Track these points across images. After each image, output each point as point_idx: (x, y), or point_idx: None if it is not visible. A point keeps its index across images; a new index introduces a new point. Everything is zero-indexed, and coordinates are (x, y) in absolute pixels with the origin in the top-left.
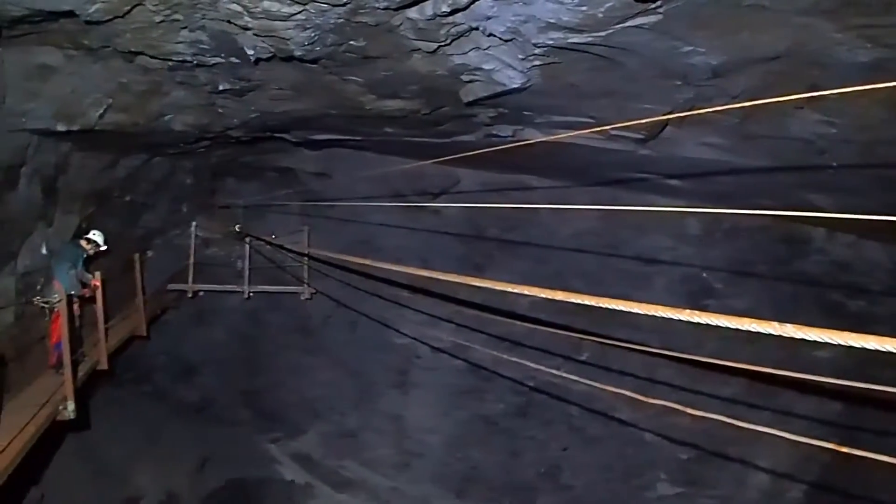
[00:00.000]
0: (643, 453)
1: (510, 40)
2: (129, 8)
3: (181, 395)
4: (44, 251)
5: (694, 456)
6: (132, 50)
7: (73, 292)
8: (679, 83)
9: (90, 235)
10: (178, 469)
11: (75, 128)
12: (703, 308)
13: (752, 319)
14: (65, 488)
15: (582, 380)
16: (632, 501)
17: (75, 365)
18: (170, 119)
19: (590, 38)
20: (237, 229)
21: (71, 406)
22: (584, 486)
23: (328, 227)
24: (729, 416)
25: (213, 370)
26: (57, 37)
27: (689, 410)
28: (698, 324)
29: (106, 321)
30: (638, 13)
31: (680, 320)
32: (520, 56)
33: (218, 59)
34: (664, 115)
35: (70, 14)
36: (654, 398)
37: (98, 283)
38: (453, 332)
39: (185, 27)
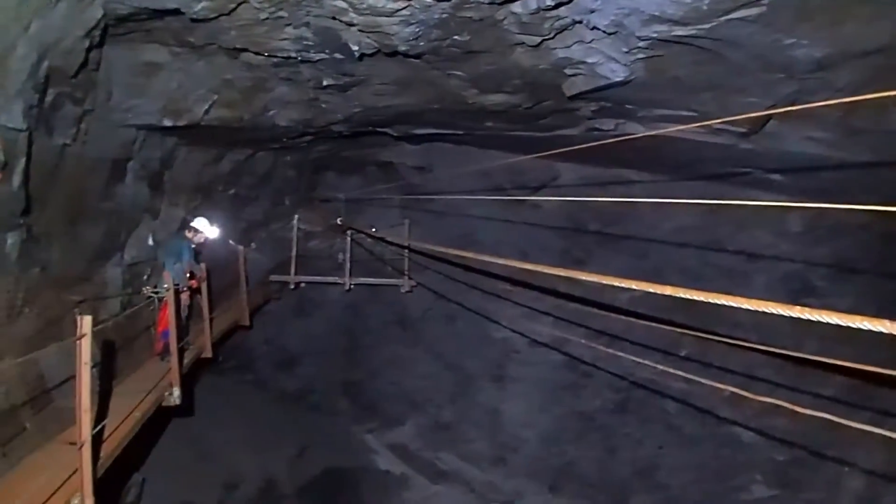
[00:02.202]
0: (740, 454)
1: (614, 33)
2: (234, 6)
3: (282, 384)
4: (150, 243)
5: (790, 458)
6: (237, 47)
7: (179, 283)
8: (782, 76)
9: (192, 224)
10: (277, 456)
11: (181, 123)
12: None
13: (864, 317)
14: (166, 473)
15: (682, 373)
16: (726, 503)
17: (181, 353)
18: (274, 114)
19: (694, 31)
20: (338, 222)
21: (177, 392)
22: (679, 486)
23: (428, 220)
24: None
25: (313, 360)
26: (162, 34)
27: (795, 408)
28: (798, 323)
29: (210, 311)
30: (742, 5)
31: (781, 318)
32: (623, 49)
33: (322, 55)
34: (767, 108)
35: (176, 12)
36: (756, 395)
37: (203, 276)
38: (552, 327)
39: (290, 24)
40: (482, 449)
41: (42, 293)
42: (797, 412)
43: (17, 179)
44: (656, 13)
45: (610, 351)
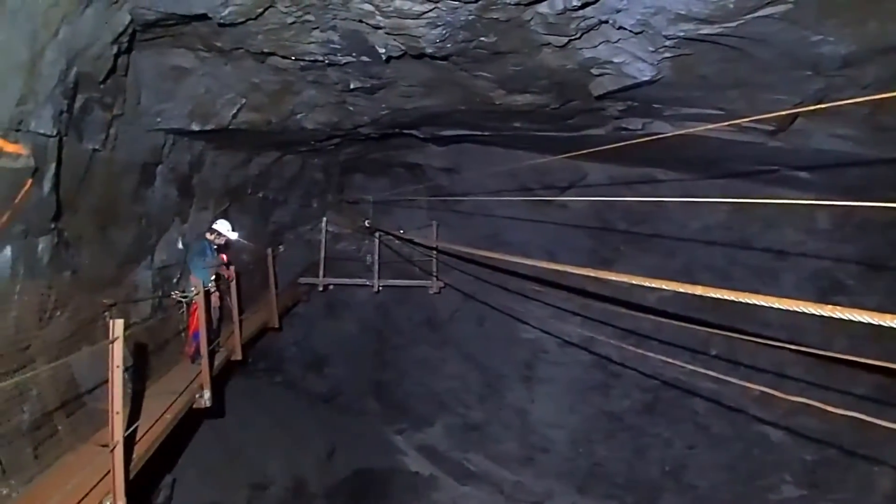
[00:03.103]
0: (769, 454)
1: (640, 33)
2: (261, 10)
3: (311, 385)
4: (180, 246)
5: (819, 458)
6: (264, 51)
7: (209, 286)
8: (809, 73)
9: (214, 226)
10: (307, 457)
11: (209, 127)
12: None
13: (894, 315)
14: (196, 474)
15: (712, 373)
16: (755, 503)
17: (212, 355)
18: (301, 117)
19: (720, 29)
20: (367, 224)
21: (207, 394)
22: (708, 487)
23: (456, 221)
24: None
25: (342, 362)
26: (190, 39)
27: (826, 407)
28: (827, 321)
29: (240, 313)
30: (768, 2)
31: (811, 317)
32: (650, 48)
33: (349, 58)
34: (794, 106)
35: (203, 17)
36: (786, 395)
37: (233, 275)
38: (581, 327)
39: (317, 27)
40: (511, 450)
41: (73, 297)
42: (827, 411)
43: (47, 184)
44: (683, 12)
45: (639, 351)
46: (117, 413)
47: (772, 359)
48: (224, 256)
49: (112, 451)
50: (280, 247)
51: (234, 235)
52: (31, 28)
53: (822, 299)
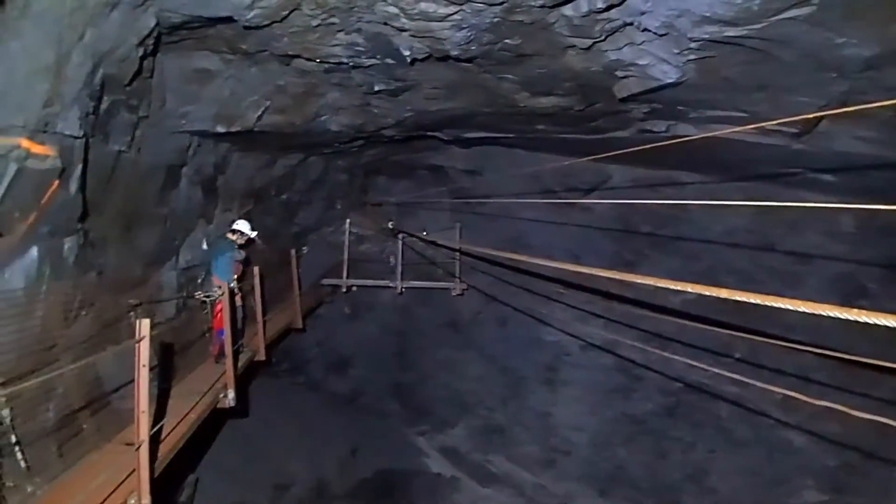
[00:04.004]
0: (791, 458)
1: (665, 35)
2: (286, 13)
3: (334, 386)
4: (204, 247)
5: (841, 462)
6: (289, 53)
7: (232, 284)
8: (834, 75)
9: (234, 226)
10: (329, 458)
11: (234, 129)
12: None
13: None
14: (219, 473)
15: (734, 375)
16: None
17: (236, 355)
18: (326, 119)
19: (745, 31)
20: (390, 226)
21: (232, 394)
22: (730, 491)
23: (479, 223)
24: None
25: (364, 363)
26: (215, 42)
27: (850, 411)
28: (850, 325)
29: (264, 314)
30: (792, 5)
31: (833, 321)
32: (674, 50)
33: (373, 61)
34: (819, 108)
35: (228, 20)
36: (810, 398)
37: (256, 275)
38: (603, 329)
39: (342, 30)
40: (533, 452)
41: (99, 297)
42: (848, 416)
43: (74, 185)
44: (707, 14)
45: (663, 353)
46: (143, 412)
47: (794, 363)
48: (243, 253)
49: (137, 449)
50: (304, 248)
51: (254, 234)
52: (56, 31)
53: (845, 303)
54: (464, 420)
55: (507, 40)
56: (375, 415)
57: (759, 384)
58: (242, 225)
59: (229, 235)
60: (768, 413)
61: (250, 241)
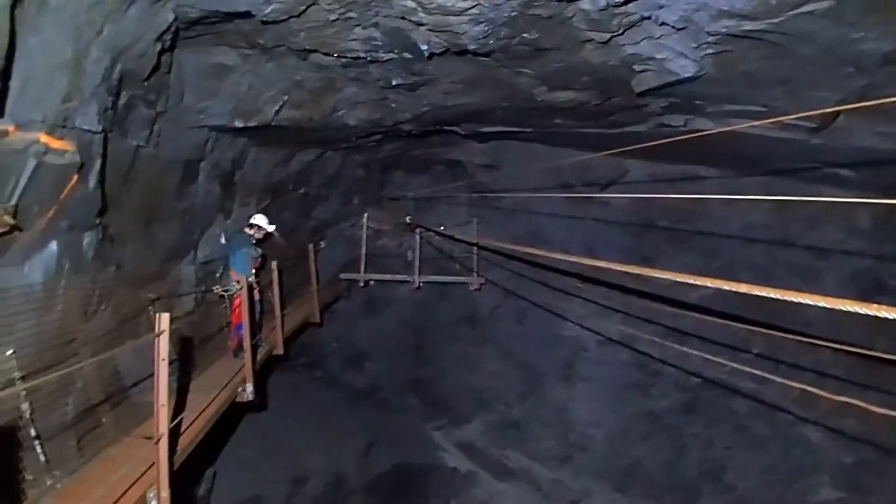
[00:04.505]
0: (808, 455)
1: (683, 29)
2: (304, 7)
3: (351, 380)
4: (222, 241)
5: (858, 460)
6: (306, 48)
7: (250, 279)
8: (852, 70)
9: (252, 220)
10: (346, 452)
11: (252, 124)
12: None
13: None
14: (237, 467)
15: (752, 370)
16: None
17: (254, 349)
18: (343, 114)
19: (763, 26)
20: (407, 220)
21: (250, 388)
22: (747, 488)
23: (496, 218)
24: None
25: (382, 358)
26: (232, 37)
27: (870, 407)
28: (869, 321)
29: (282, 308)
30: None
31: (852, 317)
32: (692, 45)
33: (391, 55)
34: (837, 103)
35: (246, 15)
36: (830, 394)
37: (275, 270)
38: (621, 324)
39: (359, 25)
40: (550, 447)
41: (117, 291)
42: (866, 413)
43: (92, 180)
44: (725, 8)
45: (680, 348)
46: (163, 405)
47: (813, 359)
48: (260, 249)
49: (157, 442)
50: (321, 243)
51: (271, 228)
52: (74, 26)
53: (863, 299)
54: (481, 415)
55: (524, 34)
56: (392, 409)
57: (777, 379)
58: (260, 219)
59: (247, 230)
60: (786, 409)
61: (268, 235)
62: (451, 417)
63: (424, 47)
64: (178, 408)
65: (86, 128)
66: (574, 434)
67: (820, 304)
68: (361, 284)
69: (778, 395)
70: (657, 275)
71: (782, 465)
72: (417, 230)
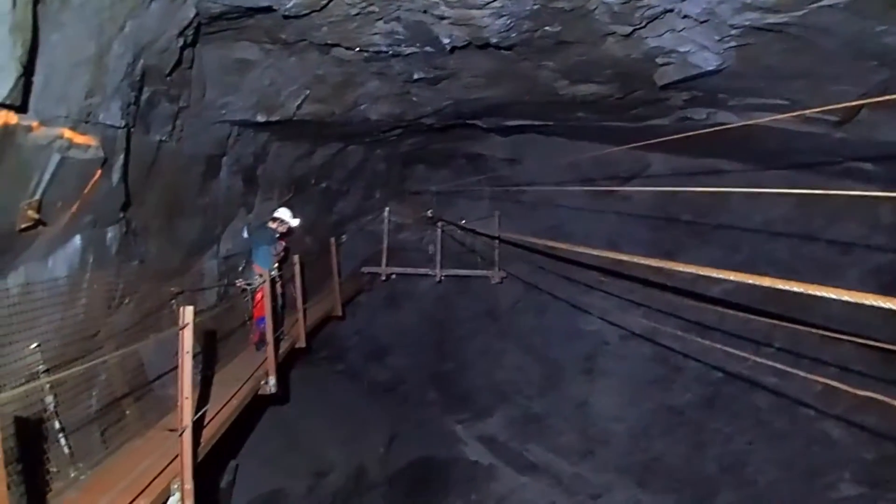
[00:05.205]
0: (829, 451)
1: (705, 22)
2: (325, 2)
3: (373, 374)
4: (245, 235)
5: (878, 456)
6: (328, 42)
7: (273, 272)
8: (874, 64)
9: (276, 214)
10: (368, 445)
11: (274, 118)
12: None
13: None
14: (258, 460)
15: (773, 363)
16: (814, 501)
17: (276, 343)
18: (365, 108)
19: (786, 19)
20: (429, 214)
21: (273, 381)
22: (768, 483)
23: (518, 212)
24: None
25: (403, 351)
26: (254, 32)
27: (892, 401)
28: (891, 316)
29: (304, 302)
30: None
31: (874, 312)
32: (715, 38)
33: (413, 49)
34: (860, 96)
35: (268, 9)
36: (853, 389)
37: (297, 263)
38: (643, 319)
39: (381, 19)
40: (570, 442)
41: (141, 285)
42: (887, 409)
43: (116, 175)
44: (748, 1)
45: (704, 342)
46: (186, 398)
47: (834, 354)
48: (283, 243)
49: (181, 434)
50: (343, 237)
51: (295, 222)
52: (97, 22)
53: (886, 293)
54: (502, 409)
55: (546, 28)
56: (414, 403)
57: (800, 373)
58: (284, 213)
59: (270, 224)
60: (807, 404)
61: (290, 230)
62: (473, 411)
63: (446, 41)
64: (202, 400)
65: (109, 123)
66: (595, 428)
67: (842, 298)
68: (383, 278)
69: (799, 390)
70: (679, 268)
71: (803, 461)
72: (439, 224)
